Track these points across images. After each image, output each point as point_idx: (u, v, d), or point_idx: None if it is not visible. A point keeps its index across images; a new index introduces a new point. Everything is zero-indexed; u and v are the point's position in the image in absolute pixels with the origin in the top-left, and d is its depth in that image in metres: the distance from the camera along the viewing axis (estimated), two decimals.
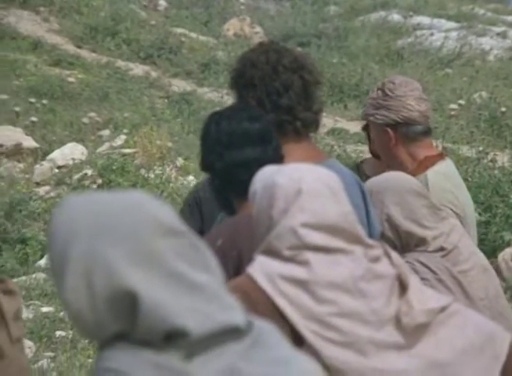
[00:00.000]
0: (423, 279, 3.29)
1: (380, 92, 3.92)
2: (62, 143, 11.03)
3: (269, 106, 3.24)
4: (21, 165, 10.49)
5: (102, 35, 14.93)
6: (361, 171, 4.75)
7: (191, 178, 10.21)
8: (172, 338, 1.61)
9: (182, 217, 5.56)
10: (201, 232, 4.35)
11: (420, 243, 3.37)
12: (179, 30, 15.55)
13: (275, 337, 1.72)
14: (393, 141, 3.91)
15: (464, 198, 3.73)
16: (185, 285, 1.63)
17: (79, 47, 14.84)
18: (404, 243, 3.37)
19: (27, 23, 15.08)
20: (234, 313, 1.67)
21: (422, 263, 3.34)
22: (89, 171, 9.95)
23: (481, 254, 3.47)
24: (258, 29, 16.03)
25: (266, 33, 15.67)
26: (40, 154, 10.75)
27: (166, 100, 13.19)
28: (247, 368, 1.65)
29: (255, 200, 2.64)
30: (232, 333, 1.65)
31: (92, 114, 12.02)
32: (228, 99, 11.51)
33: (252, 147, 3.03)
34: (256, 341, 1.68)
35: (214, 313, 1.64)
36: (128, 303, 1.60)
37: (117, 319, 1.61)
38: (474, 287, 3.36)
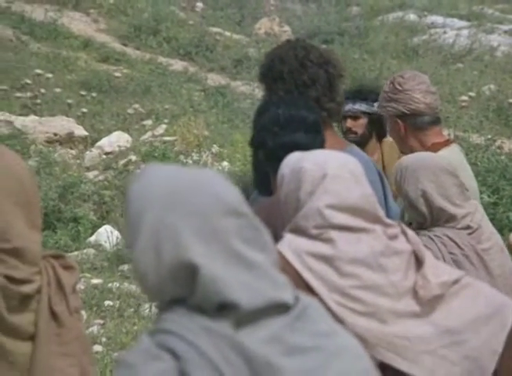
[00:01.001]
0: (450, 253, 3.29)
1: (391, 86, 3.95)
2: (109, 132, 11.07)
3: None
4: (73, 152, 10.54)
5: (145, 34, 14.95)
6: None
7: (225, 163, 10.23)
8: (224, 309, 1.61)
9: None
10: None
11: (449, 219, 3.36)
12: (215, 29, 15.54)
13: (319, 311, 1.71)
14: (402, 130, 3.94)
15: (468, 180, 3.74)
16: (242, 262, 1.63)
17: (125, 45, 14.87)
18: (435, 217, 3.36)
19: (78, 23, 15.12)
20: (283, 291, 1.67)
21: (450, 238, 3.34)
22: (133, 157, 9.98)
23: (498, 235, 3.48)
24: (286, 28, 16.00)
25: (294, 31, 15.63)
26: (90, 142, 10.80)
27: (202, 93, 13.20)
28: (291, 339, 1.64)
29: (283, 184, 2.66)
30: (279, 308, 1.65)
31: (136, 106, 12.06)
32: (259, 92, 11.50)
33: (305, 133, 3.03)
34: (301, 314, 1.67)
35: (266, 290, 1.64)
36: (188, 273, 1.61)
37: (177, 286, 1.62)
38: (493, 265, 3.37)
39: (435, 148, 3.81)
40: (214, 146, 10.75)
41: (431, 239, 3.28)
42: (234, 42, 15.18)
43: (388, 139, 4.94)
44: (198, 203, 1.63)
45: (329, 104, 3.29)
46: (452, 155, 3.86)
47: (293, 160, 2.65)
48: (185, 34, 15.03)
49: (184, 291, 1.62)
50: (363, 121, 5.11)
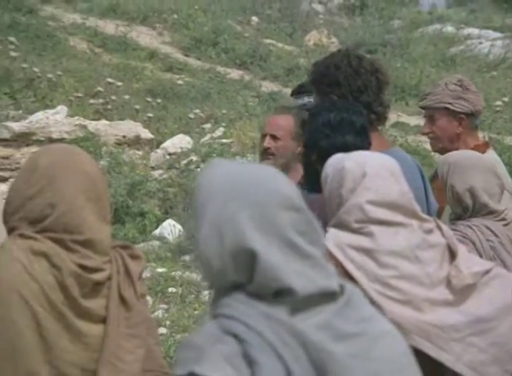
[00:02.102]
0: (488, 240, 3.28)
1: (457, 86, 3.93)
2: (172, 135, 11.12)
3: (352, 101, 3.25)
4: (140, 153, 10.61)
5: (205, 46, 14.99)
6: None
7: None
8: (281, 295, 1.61)
9: None
10: None
11: (489, 213, 3.35)
12: (268, 41, 15.54)
13: (361, 298, 1.71)
14: (461, 128, 3.92)
15: (506, 182, 3.73)
16: (297, 253, 1.63)
17: (186, 56, 14.93)
18: (476, 210, 3.35)
19: (145, 36, 15.21)
20: (332, 280, 1.67)
21: (487, 227, 3.32)
22: (194, 158, 10.01)
23: None
24: (334, 39, 15.95)
25: (340, 42, 15.57)
26: (155, 144, 10.86)
27: (257, 99, 13.21)
28: (341, 324, 1.63)
29: (327, 182, 2.66)
30: (329, 295, 1.65)
31: (197, 111, 12.10)
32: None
33: (354, 136, 3.03)
34: (348, 302, 1.67)
35: (317, 279, 1.64)
36: (248, 260, 1.61)
37: (237, 271, 1.61)
38: None
39: (478, 150, 3.79)
40: None
41: (470, 228, 3.26)
42: (286, 53, 15.16)
43: None
44: (258, 195, 1.63)
45: (377, 108, 3.29)
46: (494, 157, 3.85)
47: (336, 161, 2.66)
48: (241, 45, 15.05)
49: (244, 277, 1.61)
50: None
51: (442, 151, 3.89)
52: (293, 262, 1.62)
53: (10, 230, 2.31)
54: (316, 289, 1.63)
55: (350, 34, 16.37)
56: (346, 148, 2.88)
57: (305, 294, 1.62)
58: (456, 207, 3.36)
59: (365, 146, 3.01)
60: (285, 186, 1.66)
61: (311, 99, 4.51)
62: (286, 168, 4.26)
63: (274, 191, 1.64)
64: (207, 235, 1.63)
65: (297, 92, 4.58)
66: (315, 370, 1.58)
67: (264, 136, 4.40)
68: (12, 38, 13.00)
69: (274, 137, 4.24)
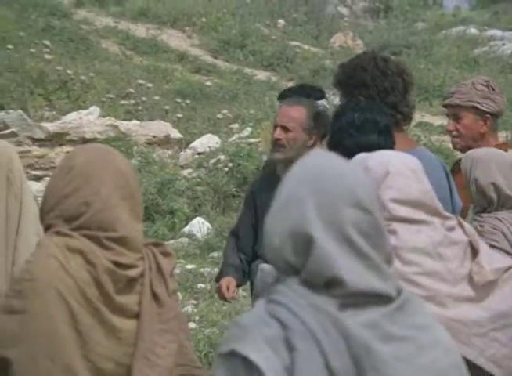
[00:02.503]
0: None
1: (484, 86, 3.93)
2: (201, 134, 11.15)
3: (379, 102, 3.25)
4: (169, 152, 10.65)
5: (233, 48, 15.02)
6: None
7: None
8: (332, 287, 1.61)
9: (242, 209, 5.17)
10: (254, 225, 4.17)
11: None
12: (294, 43, 15.54)
13: (417, 305, 1.68)
14: (484, 127, 3.92)
15: None
16: (353, 250, 1.62)
17: (215, 58, 14.96)
18: (502, 203, 3.34)
19: (175, 39, 15.26)
20: (388, 284, 1.64)
21: None
22: (222, 157, 10.03)
23: None
24: (359, 41, 15.92)
25: (365, 44, 15.54)
26: (184, 143, 10.90)
27: None
28: (388, 327, 1.62)
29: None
30: (382, 298, 1.63)
31: (225, 111, 12.13)
32: (335, 99, 11.47)
33: (378, 135, 3.03)
34: (401, 306, 1.64)
35: (372, 279, 1.62)
36: (304, 243, 1.62)
37: (294, 253, 1.62)
38: None
39: (498, 149, 3.80)
40: None
41: (499, 220, 3.26)
42: (312, 54, 15.15)
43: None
44: (331, 187, 1.64)
45: (404, 109, 3.30)
46: None
47: (359, 160, 2.67)
48: (268, 47, 15.05)
49: (299, 260, 1.62)
50: None
51: (464, 149, 3.89)
52: (348, 258, 1.61)
53: (46, 228, 2.33)
54: (368, 288, 1.61)
55: (375, 36, 16.33)
56: (370, 147, 2.88)
57: (356, 289, 1.60)
58: (480, 200, 3.36)
59: (389, 145, 3.01)
60: (361, 186, 1.66)
61: None
62: (292, 163, 4.07)
63: (347, 188, 1.64)
64: (275, 212, 1.66)
65: (282, 96, 4.41)
66: (355, 365, 1.57)
67: (275, 127, 4.26)
68: (46, 42, 13.08)
69: (285, 128, 4.09)
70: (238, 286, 4.16)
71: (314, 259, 1.61)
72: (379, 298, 1.63)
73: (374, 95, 3.27)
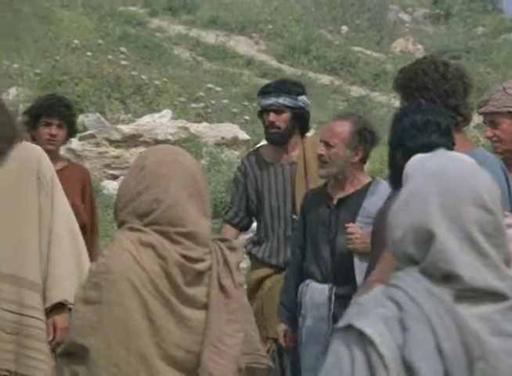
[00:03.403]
0: None
1: None
2: None
3: (440, 105, 3.23)
4: (237, 152, 10.68)
5: (298, 53, 15.02)
6: (259, 156, 4.45)
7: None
8: (449, 280, 1.61)
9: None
10: (303, 244, 4.13)
11: None
12: (357, 49, 15.47)
13: None
14: None
15: None
16: (474, 248, 1.62)
17: (281, 62, 14.98)
18: None
19: (243, 45, 15.32)
20: (504, 283, 1.64)
21: None
22: None
23: None
24: (419, 46, 15.78)
25: (425, 49, 15.40)
26: (251, 144, 10.92)
27: (346, 102, 13.16)
28: (501, 322, 1.61)
29: (407, 181, 2.64)
30: (497, 296, 1.63)
31: None
32: (395, 101, 11.39)
33: (439, 136, 3.01)
34: None
35: (489, 277, 1.62)
36: (425, 238, 1.62)
37: (414, 246, 1.63)
38: None
39: None
40: None
41: None
42: (373, 59, 15.07)
43: (311, 136, 4.46)
44: (455, 187, 1.64)
45: (464, 111, 3.28)
46: None
47: (417, 161, 2.64)
48: (331, 52, 15.02)
49: (419, 253, 1.62)
50: (287, 115, 4.29)
51: (506, 153, 3.86)
52: (468, 255, 1.61)
53: (121, 224, 2.36)
54: (485, 286, 1.61)
55: (435, 41, 16.18)
56: (432, 148, 2.85)
57: (472, 285, 1.60)
58: None
59: (450, 145, 2.99)
60: (485, 186, 1.66)
61: (279, 99, 4.26)
62: (339, 179, 3.92)
63: (471, 187, 1.64)
64: (399, 206, 1.66)
65: (263, 92, 4.34)
66: (466, 353, 1.56)
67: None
68: (123, 49, 13.24)
69: (327, 144, 3.95)
70: (294, 331, 4.07)
71: (434, 253, 1.61)
72: (494, 296, 1.62)
73: (435, 98, 3.24)
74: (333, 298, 3.91)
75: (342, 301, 3.80)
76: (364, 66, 14.68)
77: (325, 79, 14.29)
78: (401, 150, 3.01)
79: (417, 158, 2.66)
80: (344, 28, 16.59)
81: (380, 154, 9.69)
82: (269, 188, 4.40)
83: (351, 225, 3.89)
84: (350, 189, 4.01)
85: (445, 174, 1.66)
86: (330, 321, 3.90)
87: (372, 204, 3.89)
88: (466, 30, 16.80)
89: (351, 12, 16.87)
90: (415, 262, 1.63)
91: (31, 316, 3.34)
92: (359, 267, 3.83)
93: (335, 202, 4.00)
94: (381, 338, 1.56)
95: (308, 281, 4.00)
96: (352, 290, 3.75)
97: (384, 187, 3.89)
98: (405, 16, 17.71)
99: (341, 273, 3.91)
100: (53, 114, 4.43)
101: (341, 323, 1.61)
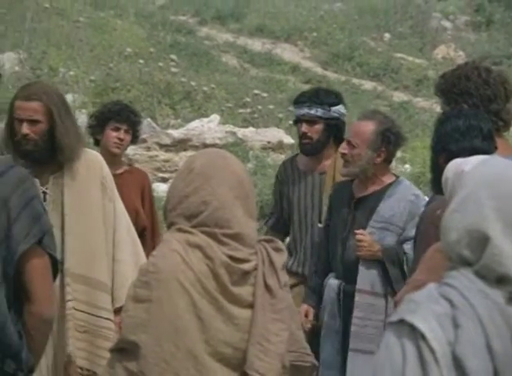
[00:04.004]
0: None
1: None
2: None
3: (482, 110, 3.20)
4: (283, 156, 10.67)
5: (341, 60, 14.97)
6: (294, 163, 4.38)
7: (407, 166, 10.09)
8: (503, 282, 1.59)
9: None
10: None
11: None
12: (399, 55, 15.38)
13: None
14: None
15: None
16: None
17: (325, 69, 14.94)
18: None
19: (288, 52, 15.31)
20: None
21: None
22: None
23: None
24: (461, 53, 15.63)
25: (467, 56, 15.24)
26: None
27: (388, 108, 13.08)
28: None
29: (447, 185, 2.61)
30: None
31: None
32: (436, 107, 11.29)
33: (482, 140, 2.97)
34: None
35: None
36: (480, 241, 1.61)
37: (469, 248, 1.62)
38: None
39: None
40: (398, 151, 10.62)
41: None
42: (416, 65, 14.97)
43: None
44: (509, 190, 1.62)
45: (505, 116, 3.24)
46: None
47: (456, 165, 2.61)
48: (374, 59, 14.95)
49: (472, 255, 1.61)
50: (319, 126, 4.15)
51: None
52: None
53: (169, 225, 2.37)
54: None
55: (476, 47, 16.02)
56: (474, 152, 2.83)
57: None
58: None
59: (492, 150, 2.95)
60: None
61: (311, 111, 4.09)
62: (362, 179, 3.83)
63: None
64: (454, 209, 1.65)
65: (297, 101, 4.20)
66: None
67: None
68: (173, 56, 13.32)
69: (350, 143, 3.85)
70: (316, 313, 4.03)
71: (488, 256, 1.60)
72: None
73: (477, 103, 3.21)
74: (341, 294, 3.86)
75: (351, 298, 3.79)
76: (406, 73, 14.58)
77: (368, 85, 14.23)
78: (443, 155, 2.98)
79: (457, 162, 2.63)
80: (387, 35, 16.50)
81: (422, 158, 9.61)
82: (299, 197, 4.32)
83: (360, 231, 3.81)
84: (371, 189, 3.92)
85: (500, 178, 1.64)
86: (340, 318, 3.87)
87: (387, 206, 3.83)
88: (508, 36, 16.59)
89: (394, 20, 16.76)
90: (469, 263, 1.62)
91: (102, 317, 3.38)
92: (364, 274, 3.79)
93: (354, 201, 3.92)
94: (433, 333, 1.54)
95: (329, 275, 3.98)
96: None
97: (401, 189, 3.83)
98: (447, 24, 17.56)
99: (350, 272, 3.86)
100: (122, 119, 4.49)
101: (393, 318, 1.60)
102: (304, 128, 4.18)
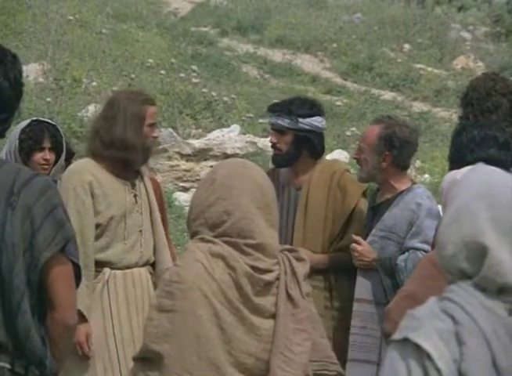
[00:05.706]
0: None
1: None
2: (331, 150, 11.10)
3: (482, 120, 3.19)
4: None
5: (361, 70, 14.95)
6: (275, 176, 3.96)
7: (426, 176, 10.05)
8: (504, 293, 1.57)
9: None
10: None
11: None
12: (419, 66, 15.34)
13: None
14: None
15: None
16: None
17: (345, 80, 14.92)
18: None
19: (308, 63, 15.31)
20: None
21: None
22: (352, 171, 9.95)
23: None
24: (480, 63, 15.56)
25: (486, 66, 15.17)
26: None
27: (407, 118, 13.03)
28: None
29: (442, 195, 2.60)
30: None
31: (353, 129, 12.06)
32: (456, 117, 11.23)
33: (497, 150, 2.97)
34: None
35: None
36: (478, 252, 1.58)
37: (467, 260, 1.59)
38: None
39: None
40: (417, 161, 10.58)
41: None
42: (435, 76, 14.92)
43: (327, 159, 3.90)
44: (502, 202, 1.60)
45: (509, 128, 3.22)
46: None
47: (451, 175, 2.60)
48: (394, 70, 14.91)
49: (471, 268, 1.59)
50: (288, 137, 3.83)
51: None
52: None
53: (193, 234, 2.36)
54: None
55: (495, 58, 15.95)
56: (490, 161, 2.81)
57: None
58: None
59: (508, 159, 2.94)
60: None
61: (278, 120, 3.82)
62: (380, 186, 3.72)
63: None
64: (448, 222, 1.62)
65: (268, 109, 4.01)
66: None
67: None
68: (194, 67, 13.35)
69: (359, 148, 3.74)
70: None
71: (487, 267, 1.58)
72: None
73: (478, 114, 3.20)
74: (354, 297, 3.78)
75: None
76: (426, 83, 14.53)
77: (387, 95, 14.19)
78: (461, 164, 2.97)
79: (452, 173, 2.61)
80: (407, 46, 16.46)
81: (441, 168, 9.56)
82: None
83: (357, 239, 3.70)
84: (385, 197, 3.81)
85: (492, 187, 1.61)
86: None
87: (391, 216, 3.72)
88: None
89: (414, 31, 16.73)
90: (467, 276, 1.60)
91: None
92: (360, 282, 3.71)
93: (372, 209, 3.86)
94: (438, 352, 1.52)
95: None
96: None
97: (408, 197, 3.70)
98: (466, 34, 17.50)
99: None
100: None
101: (397, 336, 1.57)
102: (273, 138, 3.91)
